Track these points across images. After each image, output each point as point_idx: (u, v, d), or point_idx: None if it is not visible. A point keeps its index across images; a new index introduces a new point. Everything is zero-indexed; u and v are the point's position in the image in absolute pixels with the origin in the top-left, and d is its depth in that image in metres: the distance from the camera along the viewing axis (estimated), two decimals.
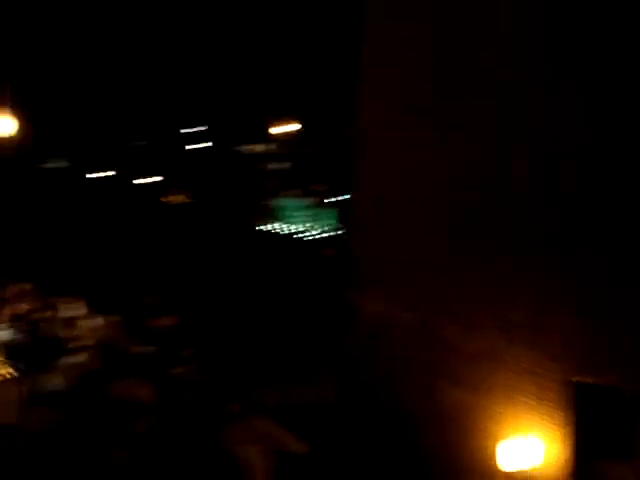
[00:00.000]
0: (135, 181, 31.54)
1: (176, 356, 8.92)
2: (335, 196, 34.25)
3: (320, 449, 7.06)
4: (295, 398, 9.59)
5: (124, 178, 31.26)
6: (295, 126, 31.00)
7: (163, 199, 31.64)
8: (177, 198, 31.98)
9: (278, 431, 7.60)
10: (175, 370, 8.24)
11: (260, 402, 7.92)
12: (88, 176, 30.00)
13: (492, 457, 6.04)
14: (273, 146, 37.50)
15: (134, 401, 6.66)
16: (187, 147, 34.98)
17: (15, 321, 9.50)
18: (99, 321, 10.23)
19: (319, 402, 8.94)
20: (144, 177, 32.01)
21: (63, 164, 31.31)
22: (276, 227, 32.88)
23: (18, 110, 17.46)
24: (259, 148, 38.05)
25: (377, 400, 7.98)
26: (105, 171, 31.31)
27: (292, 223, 33.92)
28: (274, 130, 31.44)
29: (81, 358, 8.36)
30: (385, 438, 7.56)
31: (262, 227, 32.00)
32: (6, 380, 5.29)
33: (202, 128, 37.63)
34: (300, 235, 30.86)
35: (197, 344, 9.68)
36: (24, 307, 10.17)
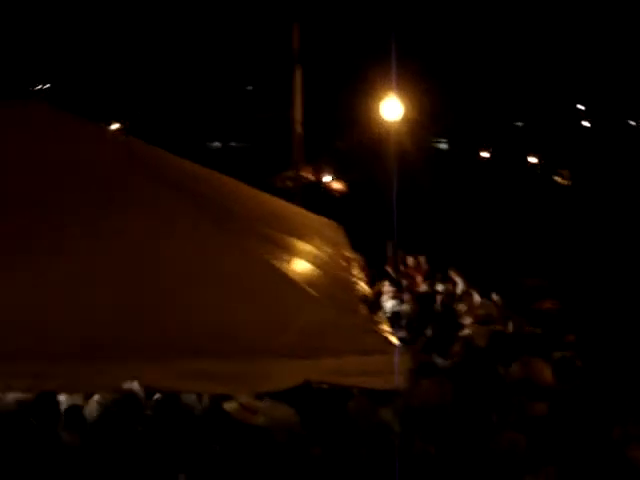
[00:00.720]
0: (518, 160, 31.18)
1: (559, 340, 8.51)
2: None
3: None
4: None
5: (507, 157, 31.01)
6: None
7: (547, 178, 30.87)
8: (562, 178, 30.96)
9: None
10: (558, 354, 7.81)
11: None
12: (472, 156, 30.36)
13: None
14: None
15: (532, 382, 6.40)
16: (572, 125, 33.62)
17: (405, 292, 9.86)
18: (480, 298, 10.17)
19: None
20: (526, 156, 31.52)
21: (444, 145, 32.18)
22: None
23: (404, 94, 18.32)
24: None
25: None
26: (487, 151, 31.47)
27: None
28: None
29: (467, 334, 8.34)
30: None
31: None
32: (394, 349, 5.36)
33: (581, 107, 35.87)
34: None
35: (580, 331, 9.19)
36: (415, 279, 10.54)
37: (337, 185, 29.82)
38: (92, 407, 5.70)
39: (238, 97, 29.68)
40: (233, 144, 36.18)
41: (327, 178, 30.22)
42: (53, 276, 5.30)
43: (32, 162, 6.23)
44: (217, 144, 35.80)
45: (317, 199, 19.55)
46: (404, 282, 10.38)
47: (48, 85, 28.63)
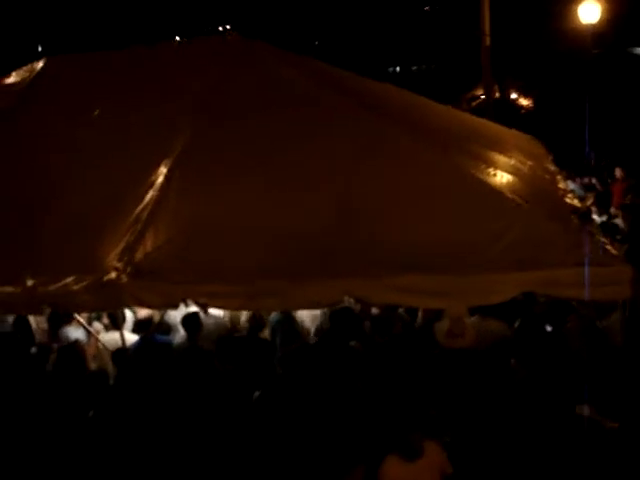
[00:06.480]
0: None
1: None
2: None
3: None
4: None
5: None
6: None
7: None
8: None
9: None
10: None
11: None
12: None
13: None
14: None
15: None
16: None
17: (613, 205, 9.33)
18: None
19: None
20: None
21: None
22: None
23: None
24: None
25: None
26: None
27: None
28: None
29: None
30: None
31: None
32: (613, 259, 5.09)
33: None
34: None
35: None
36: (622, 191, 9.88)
37: (524, 101, 28.57)
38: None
39: (418, 17, 28.93)
40: (414, 68, 35.48)
41: (514, 94, 29.00)
42: (261, 195, 5.52)
43: (235, 87, 6.46)
44: (397, 68, 35.31)
45: (505, 116, 18.79)
46: (613, 194, 9.81)
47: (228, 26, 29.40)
